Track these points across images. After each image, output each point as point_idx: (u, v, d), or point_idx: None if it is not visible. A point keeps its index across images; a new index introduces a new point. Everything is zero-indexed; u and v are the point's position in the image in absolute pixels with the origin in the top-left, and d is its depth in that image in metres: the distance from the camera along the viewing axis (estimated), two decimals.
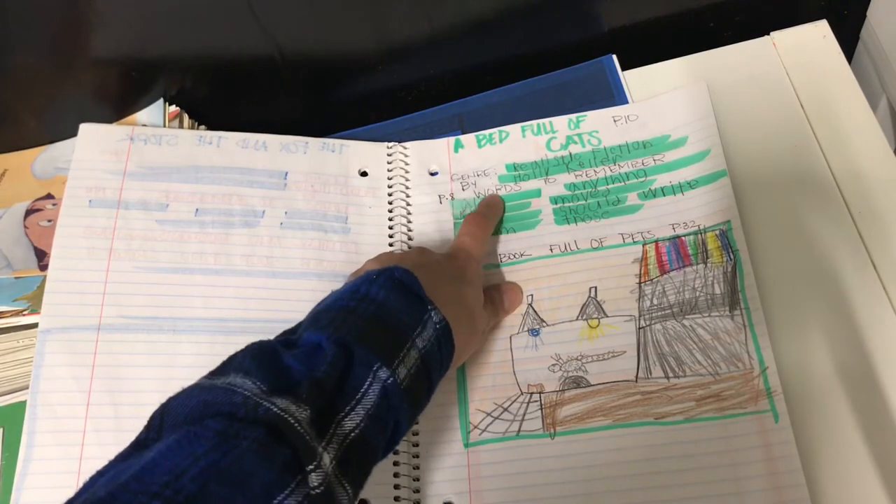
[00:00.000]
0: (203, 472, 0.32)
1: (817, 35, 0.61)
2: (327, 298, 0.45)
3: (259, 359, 0.39)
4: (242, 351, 0.40)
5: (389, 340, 0.42)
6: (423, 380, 0.43)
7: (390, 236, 0.59)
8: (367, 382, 0.40)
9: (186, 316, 0.56)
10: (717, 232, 0.54)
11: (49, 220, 0.62)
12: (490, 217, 0.58)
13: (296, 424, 0.36)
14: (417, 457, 0.52)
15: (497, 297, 0.55)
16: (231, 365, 0.39)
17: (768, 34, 0.62)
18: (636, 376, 0.51)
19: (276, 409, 0.36)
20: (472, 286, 0.50)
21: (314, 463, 0.35)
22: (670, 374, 0.51)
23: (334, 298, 0.44)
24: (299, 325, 0.44)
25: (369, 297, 0.43)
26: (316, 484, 0.35)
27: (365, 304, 0.43)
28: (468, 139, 0.62)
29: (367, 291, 0.43)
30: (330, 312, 0.43)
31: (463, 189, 0.60)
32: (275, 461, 0.34)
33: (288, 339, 0.42)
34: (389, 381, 0.40)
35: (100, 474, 0.35)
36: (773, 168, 0.56)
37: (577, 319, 0.54)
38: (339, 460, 0.37)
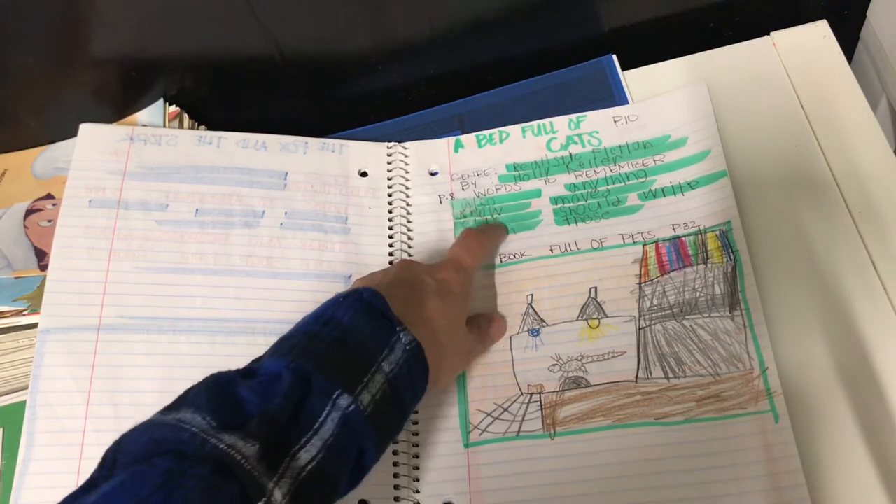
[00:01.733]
0: None
1: (817, 35, 0.61)
2: (297, 324, 0.44)
3: (212, 392, 0.39)
4: (198, 384, 0.40)
5: (352, 366, 0.41)
6: (392, 404, 0.42)
7: (390, 236, 0.59)
8: (326, 411, 0.39)
9: (186, 316, 0.56)
10: (718, 232, 0.54)
11: (49, 220, 0.62)
12: (489, 234, 0.57)
13: (242, 461, 0.35)
14: (417, 457, 0.52)
15: (483, 323, 0.54)
16: (185, 399, 0.39)
17: (768, 34, 0.62)
18: (636, 377, 0.51)
19: (222, 446, 0.35)
20: (457, 300, 0.49)
21: (263, 500, 0.35)
22: (670, 375, 0.51)
23: (301, 324, 0.43)
24: (265, 353, 0.43)
25: (334, 321, 0.42)
26: None
27: (329, 328, 0.42)
28: (468, 139, 0.62)
29: (332, 315, 0.43)
30: (293, 339, 0.42)
31: (463, 189, 0.60)
32: (222, 499, 0.34)
33: (250, 367, 0.41)
34: (351, 409, 0.39)
35: None
36: (773, 168, 0.56)
37: (577, 320, 0.54)
38: (294, 494, 0.36)
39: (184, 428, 0.36)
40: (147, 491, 0.33)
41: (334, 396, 0.39)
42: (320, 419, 0.39)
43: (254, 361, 0.42)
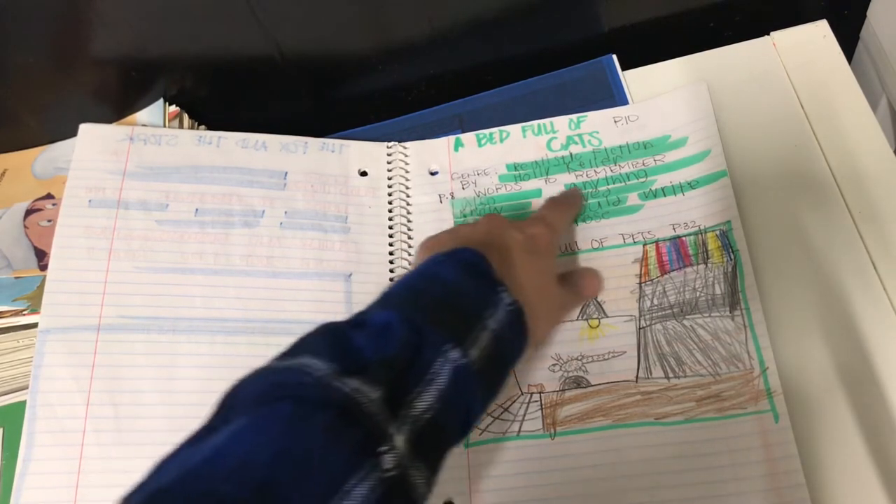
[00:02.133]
0: (274, 458, 0.32)
1: (817, 35, 0.61)
2: (400, 279, 0.44)
3: (329, 339, 0.38)
4: (312, 332, 0.39)
5: (460, 321, 0.40)
6: (497, 363, 0.41)
7: (390, 236, 0.59)
8: (439, 363, 0.38)
9: (186, 316, 0.56)
10: (718, 232, 0.54)
11: (49, 220, 0.62)
12: (571, 199, 0.56)
13: (367, 405, 0.35)
14: None
15: (577, 280, 0.53)
16: (302, 346, 0.38)
17: (768, 34, 0.62)
18: (636, 376, 0.51)
19: (346, 390, 0.35)
20: (545, 256, 0.48)
21: (387, 445, 0.34)
22: (670, 375, 0.51)
23: (404, 279, 0.43)
24: (369, 306, 0.42)
25: (439, 279, 0.42)
26: (390, 466, 0.34)
27: (434, 285, 0.42)
28: (468, 138, 0.62)
29: (436, 272, 0.43)
30: (399, 293, 0.42)
31: (463, 188, 0.60)
32: (346, 444, 0.33)
33: (357, 318, 0.40)
34: (462, 363, 0.39)
35: (169, 458, 0.34)
36: (773, 168, 0.56)
37: (577, 319, 0.54)
38: (413, 442, 0.36)
39: (306, 372, 0.36)
40: (272, 435, 0.33)
41: (445, 349, 0.39)
42: (433, 369, 0.38)
43: (359, 314, 0.41)
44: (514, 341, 0.43)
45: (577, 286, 0.53)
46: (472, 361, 0.39)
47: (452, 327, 0.40)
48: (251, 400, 0.35)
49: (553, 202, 0.55)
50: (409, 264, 0.58)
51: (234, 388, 0.36)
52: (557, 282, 0.50)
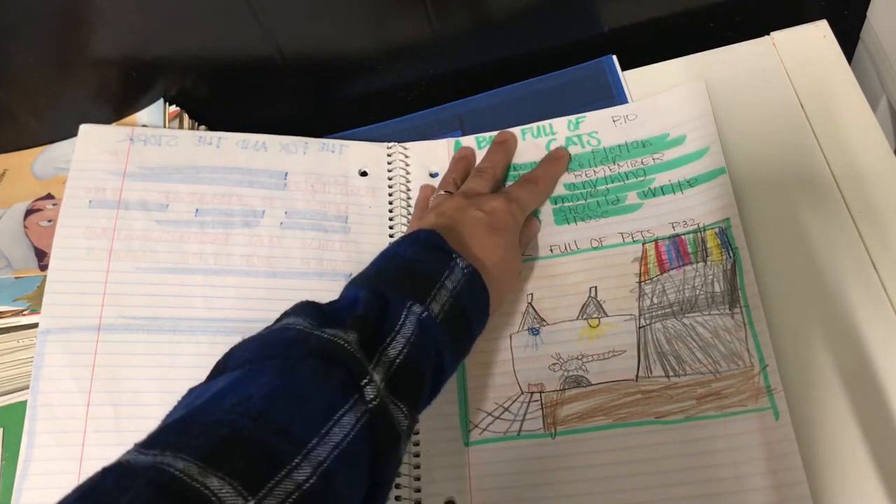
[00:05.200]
0: (269, 393, 0.36)
1: (817, 35, 0.61)
2: (369, 264, 0.48)
3: (307, 307, 0.43)
4: (291, 308, 0.44)
5: (419, 284, 0.45)
6: (460, 316, 0.46)
7: (391, 236, 0.59)
8: (403, 315, 0.43)
9: (186, 316, 0.56)
10: (717, 230, 0.54)
11: (49, 220, 0.62)
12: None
13: (346, 345, 0.40)
14: (418, 456, 0.52)
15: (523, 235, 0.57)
16: (283, 316, 0.44)
17: (768, 34, 0.62)
18: (636, 375, 0.51)
19: (326, 336, 0.40)
20: (503, 232, 0.52)
21: (366, 378, 0.39)
22: (671, 373, 0.51)
23: (370, 263, 0.48)
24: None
25: (398, 255, 0.47)
26: (371, 396, 0.39)
27: (395, 261, 0.47)
28: (468, 140, 0.62)
29: (395, 251, 0.48)
30: (365, 273, 0.47)
31: None
32: (332, 382, 0.38)
33: (331, 301, 0.45)
34: (424, 315, 0.43)
35: (176, 405, 0.39)
36: (773, 167, 0.56)
37: (577, 319, 0.54)
38: (388, 382, 0.41)
39: (289, 328, 0.41)
40: (266, 378, 0.37)
41: (408, 305, 0.44)
42: (400, 322, 0.43)
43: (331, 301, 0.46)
44: (473, 298, 0.47)
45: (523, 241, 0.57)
46: (435, 314, 0.44)
47: (413, 289, 0.45)
48: (242, 360, 0.40)
49: (526, 180, 0.58)
50: None
51: (227, 353, 0.41)
52: (519, 253, 0.54)
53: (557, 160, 0.60)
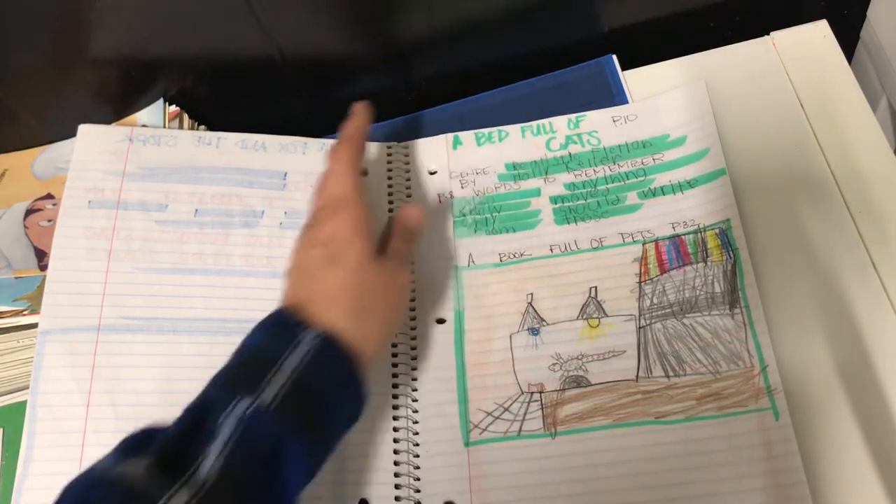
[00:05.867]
0: None
1: (817, 35, 0.61)
2: None
3: (129, 439, 0.41)
4: (122, 440, 0.41)
5: (253, 375, 0.41)
6: (306, 396, 0.42)
7: None
8: (221, 419, 0.39)
9: (186, 316, 0.56)
10: (717, 230, 0.54)
11: (49, 220, 0.62)
12: (352, 141, 0.53)
13: (134, 479, 0.37)
14: (418, 456, 0.52)
15: (395, 241, 0.52)
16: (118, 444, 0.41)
17: (768, 34, 0.62)
18: (637, 375, 0.51)
19: (113, 474, 0.38)
20: (343, 263, 0.46)
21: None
22: (671, 373, 0.51)
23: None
24: None
25: (244, 348, 0.44)
26: None
27: (239, 355, 0.44)
28: (467, 136, 0.62)
29: (244, 343, 0.44)
30: (214, 377, 0.43)
31: (462, 187, 0.60)
32: None
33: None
34: (250, 409, 0.40)
35: None
36: (773, 168, 0.56)
37: (577, 319, 0.54)
38: (204, 496, 0.37)
39: (92, 470, 0.39)
40: None
41: (231, 405, 0.40)
42: (215, 429, 0.39)
43: None
44: (323, 369, 0.43)
45: (396, 247, 0.52)
46: (267, 403, 0.40)
47: (245, 383, 0.41)
48: None
49: (332, 156, 0.52)
50: (409, 265, 0.58)
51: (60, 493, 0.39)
52: (377, 264, 0.48)
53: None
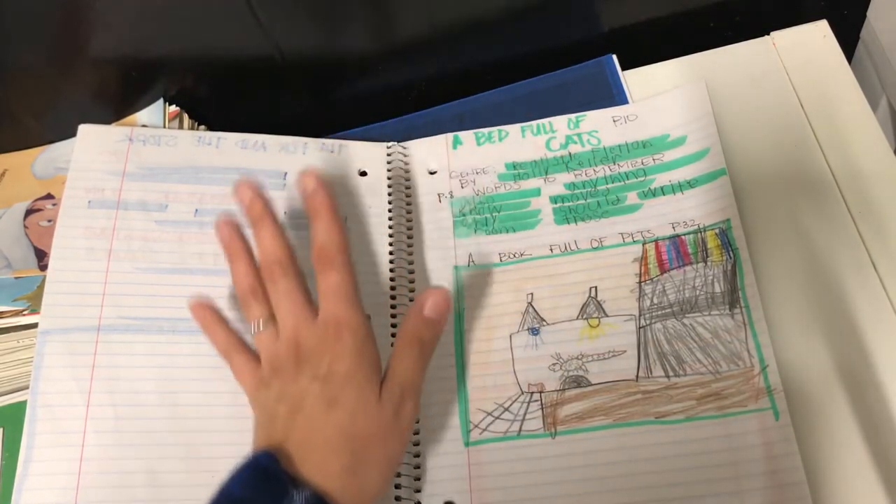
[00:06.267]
0: None
1: (817, 35, 0.61)
2: None
3: None
4: None
5: None
6: None
7: (390, 236, 0.59)
8: None
9: (186, 317, 0.56)
10: (717, 230, 0.54)
11: (49, 220, 0.62)
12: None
13: None
14: (418, 456, 0.52)
15: (396, 392, 0.45)
16: None
17: (768, 34, 0.62)
18: (637, 375, 0.51)
19: None
20: (343, 402, 0.43)
21: None
22: (671, 373, 0.51)
23: None
24: None
25: (230, 497, 0.41)
26: None
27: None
28: (467, 136, 0.62)
29: (229, 491, 0.41)
30: None
31: (462, 187, 0.60)
32: None
33: None
34: None
35: None
36: (772, 168, 0.56)
37: (577, 319, 0.54)
38: None
39: None
40: None
41: None
42: None
43: None
44: None
45: (402, 373, 0.46)
46: None
47: None
48: None
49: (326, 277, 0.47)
50: (409, 264, 0.58)
51: None
52: (380, 406, 0.44)
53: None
